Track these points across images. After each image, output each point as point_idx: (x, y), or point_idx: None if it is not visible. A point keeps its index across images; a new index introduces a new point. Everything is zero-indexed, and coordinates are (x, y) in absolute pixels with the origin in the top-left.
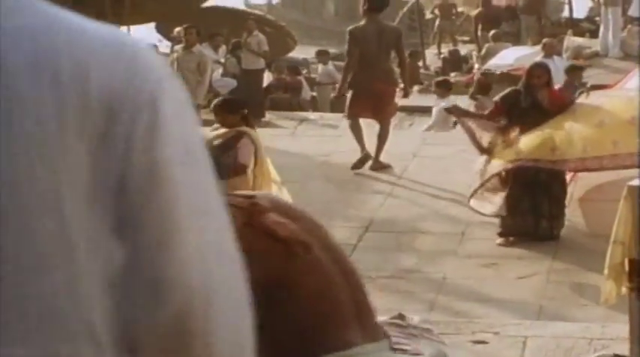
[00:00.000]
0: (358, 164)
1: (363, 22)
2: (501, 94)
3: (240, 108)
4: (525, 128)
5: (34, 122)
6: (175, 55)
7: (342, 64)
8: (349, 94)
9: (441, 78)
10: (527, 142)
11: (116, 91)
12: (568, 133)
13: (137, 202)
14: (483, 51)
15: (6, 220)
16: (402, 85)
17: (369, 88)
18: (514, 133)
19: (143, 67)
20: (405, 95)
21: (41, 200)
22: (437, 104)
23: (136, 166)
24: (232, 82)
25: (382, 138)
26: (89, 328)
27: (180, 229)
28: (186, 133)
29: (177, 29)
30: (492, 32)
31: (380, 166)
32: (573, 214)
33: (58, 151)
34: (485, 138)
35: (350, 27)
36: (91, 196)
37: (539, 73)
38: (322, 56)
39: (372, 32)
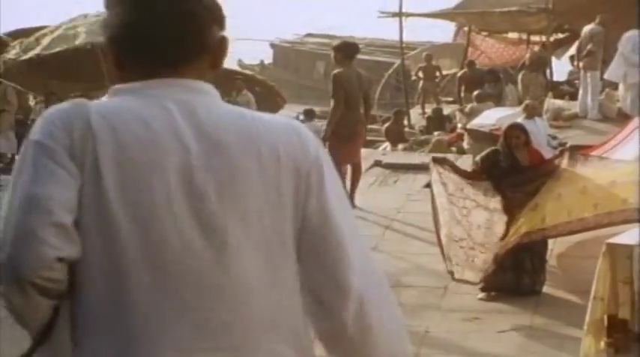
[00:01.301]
0: None
1: (342, 69)
2: (481, 154)
3: None
4: (506, 188)
5: (250, 184)
6: None
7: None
8: (330, 142)
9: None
10: (521, 219)
11: (297, 158)
12: (556, 200)
13: (317, 236)
14: (467, 109)
15: (241, 253)
16: None
17: (353, 130)
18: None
19: (307, 140)
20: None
21: (270, 237)
22: None
23: (311, 207)
24: None
25: (358, 178)
26: (296, 331)
27: (347, 249)
28: (335, 182)
29: None
30: (476, 93)
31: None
32: (554, 270)
33: (271, 206)
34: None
35: (334, 71)
36: (291, 234)
37: (516, 133)
38: (308, 114)
39: (353, 77)
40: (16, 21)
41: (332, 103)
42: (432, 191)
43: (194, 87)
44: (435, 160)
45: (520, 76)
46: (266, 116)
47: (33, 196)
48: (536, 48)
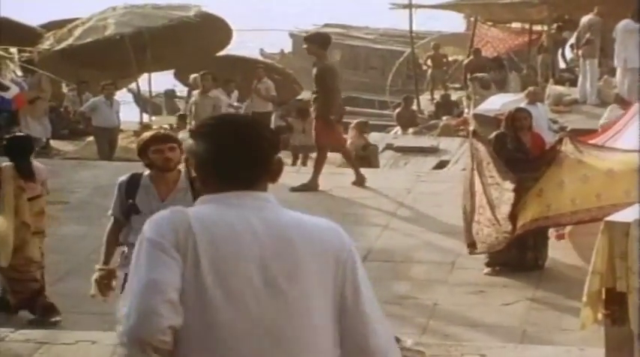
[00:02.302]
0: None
1: (326, 61)
2: (490, 136)
3: None
4: (515, 172)
5: (309, 269)
6: (193, 99)
7: None
8: (320, 124)
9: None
10: (528, 204)
11: (337, 251)
12: (559, 187)
13: (350, 306)
14: (470, 90)
15: (304, 312)
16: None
17: (338, 119)
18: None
19: (344, 237)
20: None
21: (317, 310)
22: None
23: (348, 288)
24: None
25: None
26: None
27: (370, 316)
28: (361, 267)
29: (194, 76)
30: (481, 80)
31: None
32: (555, 246)
33: (322, 286)
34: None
35: (326, 63)
36: (332, 306)
37: (523, 116)
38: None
39: (335, 68)
40: (50, 13)
41: (318, 93)
42: (469, 161)
43: (262, 197)
44: (475, 134)
45: (540, 58)
46: (315, 218)
47: (152, 280)
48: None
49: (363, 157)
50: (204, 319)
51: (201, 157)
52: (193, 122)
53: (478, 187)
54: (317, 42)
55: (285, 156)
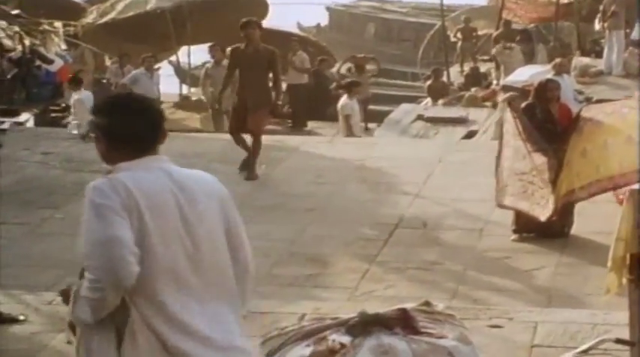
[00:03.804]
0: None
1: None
2: (521, 106)
3: None
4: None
5: (210, 213)
6: (206, 70)
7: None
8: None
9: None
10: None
11: (220, 194)
12: (583, 156)
13: (233, 232)
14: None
15: (212, 241)
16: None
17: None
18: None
19: (218, 182)
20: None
21: (219, 233)
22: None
23: (231, 220)
24: None
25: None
26: (232, 282)
27: (243, 237)
28: (232, 203)
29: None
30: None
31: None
32: (581, 213)
33: (217, 220)
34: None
35: (273, 48)
36: (224, 229)
37: (553, 86)
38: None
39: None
40: None
41: (272, 76)
42: (501, 128)
43: (164, 159)
44: (510, 104)
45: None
46: (196, 171)
47: (115, 236)
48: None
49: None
50: (148, 259)
51: (109, 130)
52: (211, 90)
53: (516, 151)
54: (261, 29)
55: (321, 126)
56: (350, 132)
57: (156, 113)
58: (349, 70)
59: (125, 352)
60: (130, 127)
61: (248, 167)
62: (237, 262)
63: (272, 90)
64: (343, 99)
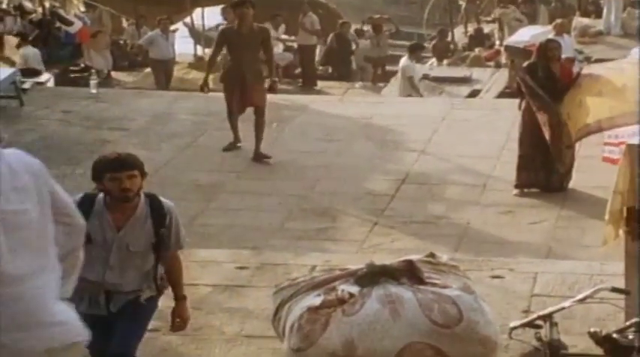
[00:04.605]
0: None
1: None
2: (523, 65)
3: None
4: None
5: (25, 188)
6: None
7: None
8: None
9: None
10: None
11: (34, 169)
12: (578, 107)
13: (56, 197)
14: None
15: (27, 224)
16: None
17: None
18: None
19: (32, 158)
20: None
21: (37, 207)
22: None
23: (48, 186)
24: (290, 56)
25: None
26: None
27: (65, 198)
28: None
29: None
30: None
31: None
32: (579, 170)
33: (36, 191)
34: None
35: (266, 26)
36: (44, 203)
37: (554, 46)
38: (360, 34)
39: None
40: None
41: (265, 54)
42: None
43: None
44: (512, 63)
45: None
46: (11, 150)
47: None
48: None
49: None
50: None
51: None
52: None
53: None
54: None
55: (330, 86)
56: (413, 92)
57: None
58: (365, 31)
59: None
60: None
61: (255, 154)
62: (58, 216)
63: (266, 67)
64: (404, 60)
